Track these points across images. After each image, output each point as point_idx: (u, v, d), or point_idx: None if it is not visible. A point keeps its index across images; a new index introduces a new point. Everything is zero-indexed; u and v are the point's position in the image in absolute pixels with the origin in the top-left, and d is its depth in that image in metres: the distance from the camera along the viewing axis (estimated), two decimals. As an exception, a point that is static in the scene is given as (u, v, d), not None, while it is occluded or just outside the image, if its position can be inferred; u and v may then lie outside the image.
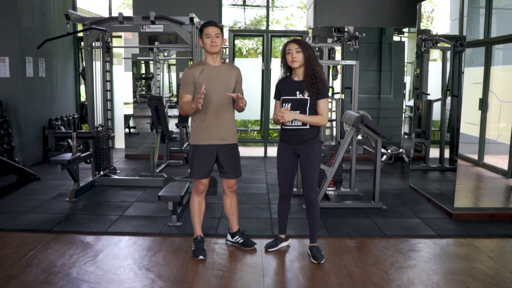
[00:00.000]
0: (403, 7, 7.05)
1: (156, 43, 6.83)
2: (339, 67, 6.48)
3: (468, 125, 4.36)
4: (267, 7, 7.66)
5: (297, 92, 3.00)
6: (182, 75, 3.09)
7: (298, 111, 2.99)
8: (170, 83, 7.75)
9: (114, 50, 6.39)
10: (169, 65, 7.64)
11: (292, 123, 3.02)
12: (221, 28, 3.06)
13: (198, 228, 3.27)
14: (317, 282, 2.84)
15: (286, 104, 3.02)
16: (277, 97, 3.12)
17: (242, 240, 3.36)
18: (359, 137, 5.15)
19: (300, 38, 3.13)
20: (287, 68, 3.08)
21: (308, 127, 3.02)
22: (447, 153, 4.96)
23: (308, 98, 2.97)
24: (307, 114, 3.00)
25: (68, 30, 4.73)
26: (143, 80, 7.71)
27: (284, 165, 3.15)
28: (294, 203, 4.46)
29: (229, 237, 3.43)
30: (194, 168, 3.12)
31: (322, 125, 3.10)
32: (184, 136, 7.01)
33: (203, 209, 3.28)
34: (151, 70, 7.25)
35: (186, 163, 5.46)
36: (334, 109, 6.39)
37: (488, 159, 4.65)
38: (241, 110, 3.10)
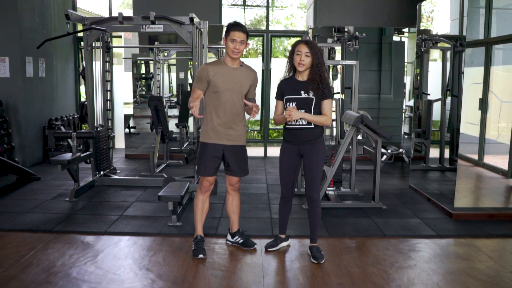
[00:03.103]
0: (403, 7, 7.05)
1: (156, 43, 6.82)
2: (339, 67, 6.48)
3: (468, 125, 4.36)
4: (267, 7, 7.66)
5: (302, 92, 3.00)
6: (199, 69, 3.11)
7: (303, 110, 2.99)
8: (170, 83, 7.74)
9: (114, 50, 6.39)
10: (169, 65, 7.64)
11: (297, 122, 3.01)
12: (247, 34, 3.02)
13: (199, 227, 3.27)
14: (317, 282, 2.84)
15: (291, 103, 3.01)
16: (279, 97, 3.11)
17: (242, 240, 3.36)
18: (359, 137, 5.15)
19: (312, 40, 3.10)
20: (292, 67, 3.06)
21: (313, 126, 3.02)
22: (447, 153, 4.96)
23: (314, 97, 2.97)
24: (312, 113, 2.99)
25: (68, 30, 4.73)
26: (143, 80, 7.71)
27: (287, 166, 3.14)
28: (294, 203, 4.45)
29: (229, 237, 3.43)
30: (201, 166, 3.15)
31: (326, 125, 3.10)
32: (184, 136, 7.01)
33: (206, 208, 3.29)
34: (151, 70, 7.25)
35: (186, 163, 5.45)
36: (334, 109, 6.39)
37: (488, 159, 4.65)
38: (253, 117, 3.08)
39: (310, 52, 2.94)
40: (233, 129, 3.11)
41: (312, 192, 3.11)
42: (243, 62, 3.19)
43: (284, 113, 2.97)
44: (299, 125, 3.02)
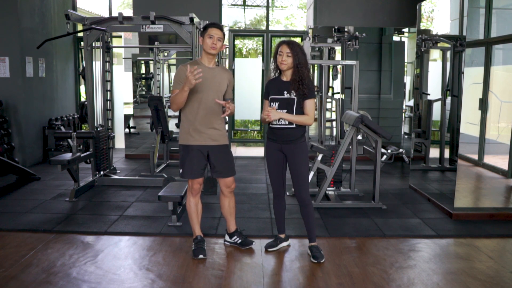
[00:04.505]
0: (403, 7, 7.05)
1: (156, 43, 6.82)
2: (339, 67, 6.48)
3: (468, 125, 4.36)
4: (267, 7, 7.66)
5: (285, 92, 3.04)
6: (176, 72, 3.09)
7: (285, 110, 3.03)
8: (170, 83, 7.74)
9: (114, 50, 6.39)
10: (169, 65, 7.64)
11: (279, 122, 3.05)
12: (224, 33, 3.09)
13: (197, 228, 3.27)
14: (317, 282, 2.84)
15: (274, 103, 3.05)
16: (266, 96, 3.15)
17: (240, 240, 3.36)
18: (359, 137, 5.14)
19: (293, 40, 3.11)
20: (276, 66, 3.10)
21: (294, 126, 3.05)
22: (447, 153, 4.96)
23: (295, 97, 3.01)
24: (294, 113, 3.02)
25: (68, 30, 4.73)
26: (143, 80, 7.71)
27: (273, 162, 3.18)
28: (294, 203, 4.46)
29: (227, 237, 3.43)
30: (186, 168, 3.11)
31: (308, 125, 3.14)
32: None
33: (200, 209, 3.28)
34: (151, 70, 7.24)
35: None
36: (334, 109, 6.39)
37: (488, 159, 4.64)
38: (227, 116, 3.09)
39: (291, 52, 2.97)
40: (215, 129, 3.11)
41: (301, 192, 3.12)
42: (219, 62, 3.19)
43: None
44: (281, 124, 3.05)
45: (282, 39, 3.15)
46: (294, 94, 3.01)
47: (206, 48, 3.04)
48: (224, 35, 3.08)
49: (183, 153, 3.14)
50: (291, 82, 3.02)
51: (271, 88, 3.11)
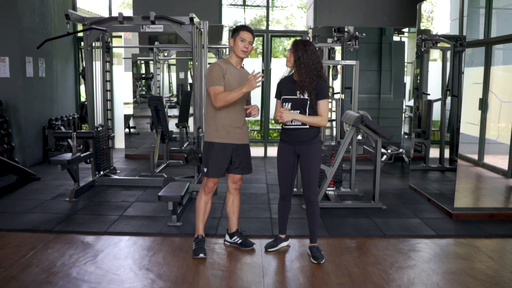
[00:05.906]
0: (403, 7, 7.05)
1: (156, 43, 6.82)
2: (339, 67, 6.48)
3: (468, 125, 4.36)
4: (267, 7, 7.66)
5: (297, 92, 3.00)
6: (209, 69, 3.08)
7: (298, 111, 3.00)
8: (170, 83, 7.74)
9: (114, 50, 6.39)
10: (169, 65, 7.64)
11: (292, 122, 3.03)
12: (254, 37, 3.15)
13: (201, 227, 3.27)
14: (317, 282, 2.84)
15: (286, 103, 3.03)
16: (277, 96, 3.13)
17: (240, 241, 3.36)
18: (359, 137, 5.14)
19: (301, 38, 3.11)
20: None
21: (308, 127, 3.03)
22: (447, 153, 4.95)
23: (308, 98, 2.97)
24: (307, 114, 3.00)
25: (68, 30, 4.73)
26: (143, 80, 7.70)
27: (284, 165, 3.15)
28: (294, 203, 4.45)
29: (227, 237, 3.43)
30: (211, 166, 3.13)
31: (322, 126, 3.10)
32: (184, 136, 7.01)
33: (209, 209, 3.29)
34: (151, 70, 7.25)
35: (186, 163, 5.44)
36: (334, 109, 6.39)
37: (488, 159, 4.64)
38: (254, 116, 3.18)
39: (293, 49, 2.97)
40: (241, 128, 3.17)
41: (310, 193, 3.11)
42: (243, 65, 3.25)
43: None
44: (294, 125, 3.04)
45: (284, 39, 3.17)
46: (307, 95, 2.97)
47: (237, 51, 3.08)
48: (254, 39, 3.13)
49: (208, 151, 3.14)
50: (297, 82, 3.01)
51: (283, 88, 3.09)
